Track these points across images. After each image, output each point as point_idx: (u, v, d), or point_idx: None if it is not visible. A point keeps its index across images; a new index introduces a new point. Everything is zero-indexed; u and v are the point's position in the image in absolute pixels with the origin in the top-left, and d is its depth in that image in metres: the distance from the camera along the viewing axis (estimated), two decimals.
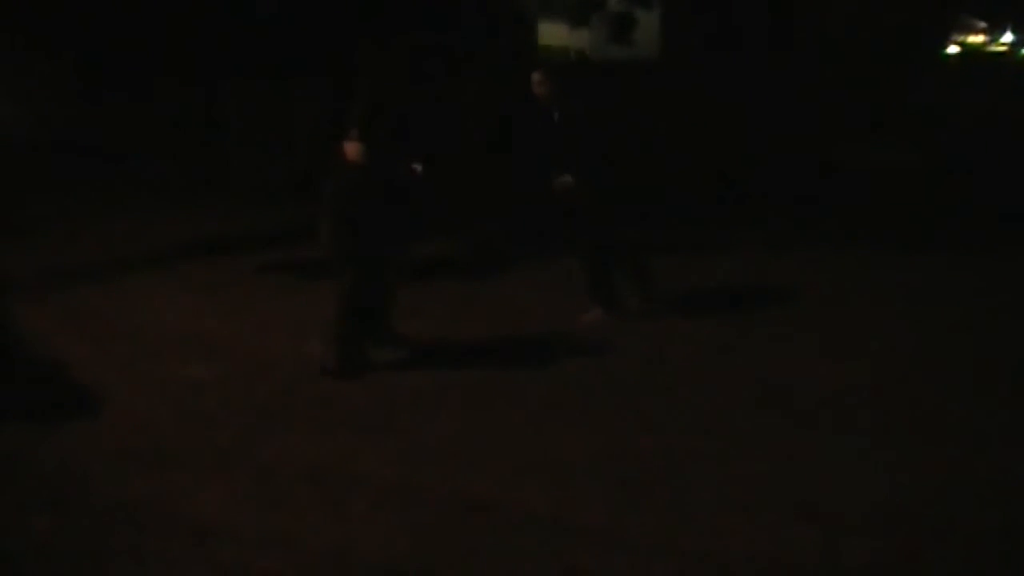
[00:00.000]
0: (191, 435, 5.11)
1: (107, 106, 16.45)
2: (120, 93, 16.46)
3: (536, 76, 6.67)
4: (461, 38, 16.83)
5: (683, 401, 5.47)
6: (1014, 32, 40.26)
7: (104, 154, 15.65)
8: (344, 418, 5.33)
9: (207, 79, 15.89)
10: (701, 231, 10.38)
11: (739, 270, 8.63)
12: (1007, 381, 5.71)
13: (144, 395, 5.73)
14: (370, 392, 5.68)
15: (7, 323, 6.93)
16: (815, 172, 14.43)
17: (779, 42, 19.81)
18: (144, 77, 16.35)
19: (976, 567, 3.74)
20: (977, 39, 40.47)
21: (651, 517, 4.14)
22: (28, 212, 11.71)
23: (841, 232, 10.11)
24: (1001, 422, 5.11)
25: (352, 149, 5.90)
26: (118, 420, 5.36)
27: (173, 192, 13.82)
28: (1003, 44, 39.49)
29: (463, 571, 3.77)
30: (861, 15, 21.12)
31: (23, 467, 4.78)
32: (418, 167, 6.29)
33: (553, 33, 27.42)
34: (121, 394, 5.73)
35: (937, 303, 7.40)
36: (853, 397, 5.48)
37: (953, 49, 32.53)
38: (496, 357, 6.31)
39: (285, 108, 15.89)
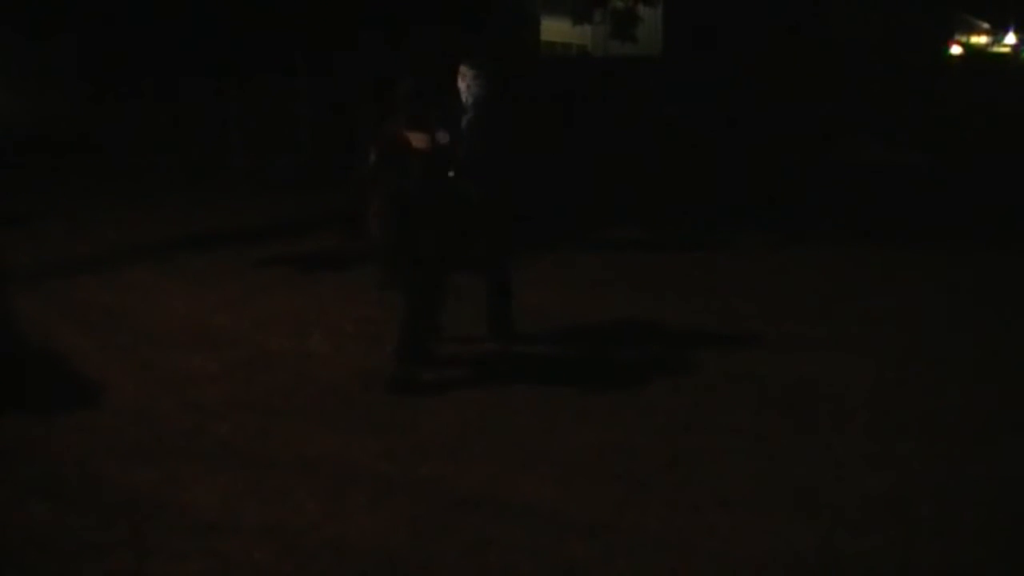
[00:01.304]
0: (192, 427, 5.12)
1: (109, 100, 16.49)
2: (122, 87, 16.49)
3: (462, 68, 6.08)
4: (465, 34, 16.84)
5: (684, 398, 5.47)
6: (1017, 33, 40.26)
7: (105, 147, 15.68)
8: (344, 412, 5.34)
9: (211, 74, 15.92)
10: (700, 230, 10.40)
11: (738, 269, 8.64)
12: (1008, 379, 5.71)
13: (145, 387, 5.73)
14: (369, 386, 5.68)
15: (8, 314, 6.93)
16: (817, 171, 14.44)
17: (780, 41, 19.83)
18: (147, 72, 16.38)
19: (974, 564, 3.74)
20: (980, 39, 40.49)
21: (651, 513, 4.14)
22: (30, 204, 11.72)
23: (841, 231, 10.12)
24: (1001, 420, 5.11)
25: (421, 139, 5.55)
26: (119, 412, 5.36)
27: (175, 185, 13.83)
28: (1006, 45, 39.48)
29: (462, 566, 3.77)
30: (864, 15, 21.14)
31: (24, 458, 4.78)
32: (443, 135, 5.86)
33: (556, 29, 27.46)
34: (122, 386, 5.73)
35: (938, 301, 7.41)
36: (853, 395, 5.49)
37: (956, 49, 32.54)
38: (496, 352, 6.31)
39: (288, 103, 15.93)
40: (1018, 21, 40.22)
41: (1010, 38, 40.63)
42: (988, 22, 41.49)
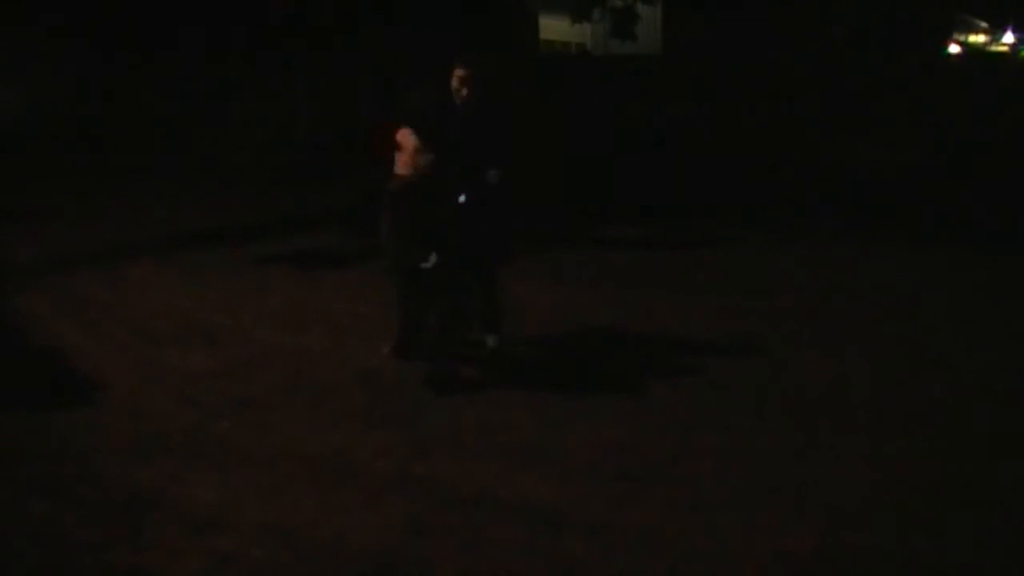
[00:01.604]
0: (190, 424, 5.11)
1: (109, 99, 16.46)
2: (122, 82, 16.47)
3: (458, 70, 6.00)
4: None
5: (684, 398, 5.46)
6: (1015, 32, 40.24)
7: (105, 146, 15.65)
8: (342, 409, 5.33)
9: (211, 72, 15.90)
10: (700, 229, 10.39)
11: (739, 268, 8.63)
12: (1007, 379, 5.71)
13: (143, 383, 5.72)
14: (368, 384, 5.67)
15: (7, 311, 6.93)
16: (817, 171, 14.43)
17: (779, 39, 19.80)
18: (147, 70, 16.36)
19: (974, 564, 3.74)
20: (978, 38, 40.46)
21: (649, 512, 4.14)
22: (28, 199, 11.70)
23: (841, 231, 10.11)
24: (1000, 420, 5.11)
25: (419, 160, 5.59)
26: (117, 408, 5.35)
27: (174, 181, 13.81)
28: (1004, 44, 39.46)
29: (459, 563, 3.76)
30: (863, 13, 21.12)
31: (22, 454, 4.77)
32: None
33: (555, 28, 27.41)
34: (120, 382, 5.72)
35: (937, 301, 7.41)
36: (853, 395, 5.49)
37: (955, 48, 32.52)
38: (495, 352, 6.28)
39: (286, 100, 15.91)
40: (1016, 20, 40.23)
41: (1008, 37, 40.62)
42: (986, 21, 41.49)
